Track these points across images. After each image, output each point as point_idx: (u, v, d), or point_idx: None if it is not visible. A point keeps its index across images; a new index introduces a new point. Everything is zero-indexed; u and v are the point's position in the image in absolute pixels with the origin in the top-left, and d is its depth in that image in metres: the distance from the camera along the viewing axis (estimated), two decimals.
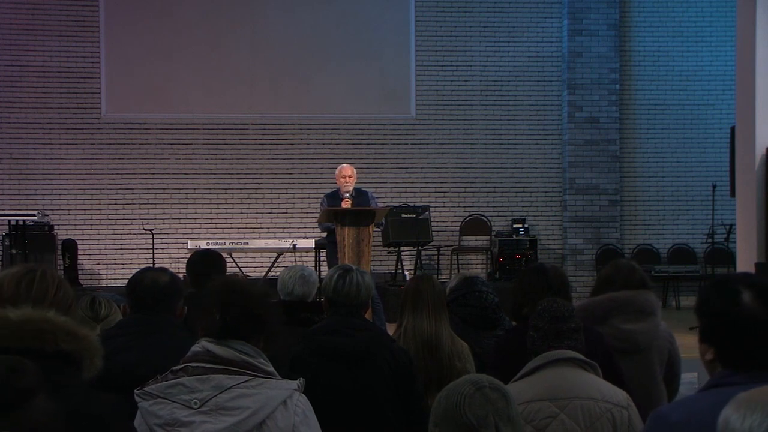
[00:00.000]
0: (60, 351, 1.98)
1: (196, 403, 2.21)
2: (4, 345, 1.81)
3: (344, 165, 8.00)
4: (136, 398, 2.27)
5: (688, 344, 4.02)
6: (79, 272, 10.50)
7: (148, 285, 2.89)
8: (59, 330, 1.98)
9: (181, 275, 11.60)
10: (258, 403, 2.22)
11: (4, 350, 1.78)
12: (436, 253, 11.07)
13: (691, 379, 4.08)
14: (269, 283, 6.63)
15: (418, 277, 3.94)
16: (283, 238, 10.77)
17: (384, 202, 9.70)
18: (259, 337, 2.33)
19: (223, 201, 11.05)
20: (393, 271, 10.51)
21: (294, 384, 2.31)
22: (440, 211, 11.26)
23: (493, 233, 11.21)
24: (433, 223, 10.67)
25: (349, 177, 7.80)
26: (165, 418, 2.22)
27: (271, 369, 2.31)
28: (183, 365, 2.28)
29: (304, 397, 2.33)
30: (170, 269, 3.16)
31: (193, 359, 2.28)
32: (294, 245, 10.46)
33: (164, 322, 2.85)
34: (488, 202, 11.42)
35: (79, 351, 2.06)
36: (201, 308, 2.37)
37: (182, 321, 2.99)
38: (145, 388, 2.27)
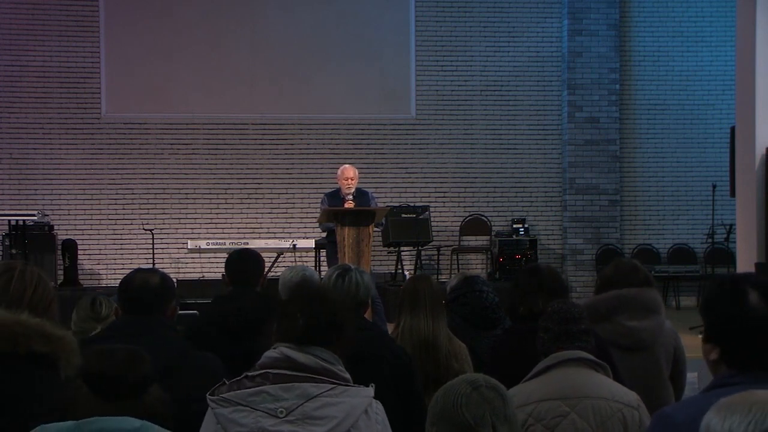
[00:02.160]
0: (33, 353, 1.98)
1: (282, 412, 2.14)
2: None
3: (346, 166, 7.93)
4: (211, 404, 2.18)
5: (687, 344, 4.03)
6: (79, 272, 10.50)
7: (139, 286, 2.88)
8: (32, 332, 1.99)
9: (181, 275, 11.39)
10: (343, 412, 2.17)
11: None
12: (436, 253, 11.06)
13: (691, 380, 4.08)
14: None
15: (415, 277, 3.94)
16: (283, 238, 10.76)
17: (384, 202, 9.70)
18: (338, 343, 2.28)
19: (223, 201, 11.05)
20: (393, 271, 10.51)
21: (371, 391, 2.25)
22: (440, 211, 11.26)
23: (493, 233, 11.20)
24: (433, 223, 10.67)
25: (352, 179, 7.75)
26: (250, 426, 2.14)
27: (348, 376, 2.26)
28: (262, 371, 2.20)
29: (380, 404, 2.28)
30: (162, 270, 3.14)
31: (272, 365, 2.20)
32: (294, 245, 10.45)
33: (156, 322, 2.83)
34: (488, 202, 11.42)
35: (54, 352, 2.05)
36: (280, 313, 2.31)
37: (174, 321, 2.98)
38: (222, 395, 2.18)
